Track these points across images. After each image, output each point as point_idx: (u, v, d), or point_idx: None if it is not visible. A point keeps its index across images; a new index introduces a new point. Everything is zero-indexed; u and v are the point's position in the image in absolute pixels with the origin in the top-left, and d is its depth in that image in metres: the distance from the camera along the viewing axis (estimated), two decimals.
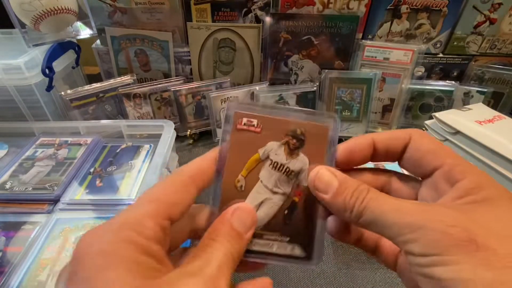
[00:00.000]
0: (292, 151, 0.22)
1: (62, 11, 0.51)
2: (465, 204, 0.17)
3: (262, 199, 0.21)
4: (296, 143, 0.21)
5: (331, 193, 0.19)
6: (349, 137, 0.61)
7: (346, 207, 0.18)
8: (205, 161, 0.20)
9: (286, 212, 0.21)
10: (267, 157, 0.21)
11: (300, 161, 0.21)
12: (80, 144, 0.51)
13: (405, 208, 0.17)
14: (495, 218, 0.16)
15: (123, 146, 0.52)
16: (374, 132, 0.25)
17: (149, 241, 0.15)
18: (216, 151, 0.20)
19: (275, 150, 0.22)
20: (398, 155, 0.21)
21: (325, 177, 0.19)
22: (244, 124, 0.21)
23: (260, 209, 0.21)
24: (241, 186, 0.21)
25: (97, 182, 0.45)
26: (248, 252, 0.20)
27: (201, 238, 0.18)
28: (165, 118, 0.66)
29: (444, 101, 0.64)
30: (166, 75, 0.70)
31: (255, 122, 0.22)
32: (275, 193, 0.21)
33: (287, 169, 0.21)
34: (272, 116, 0.22)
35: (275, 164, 0.21)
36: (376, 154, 0.21)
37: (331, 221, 0.22)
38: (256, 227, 0.20)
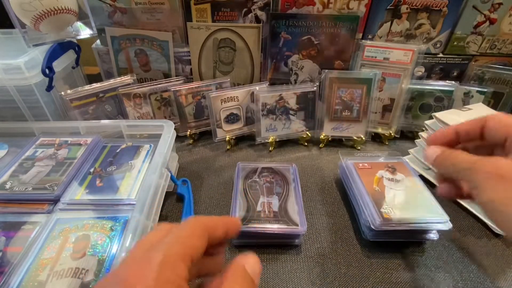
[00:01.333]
0: (392, 172, 0.49)
1: (62, 11, 0.51)
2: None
3: (393, 194, 0.46)
4: (390, 169, 0.50)
5: (435, 157, 0.33)
6: (349, 137, 0.65)
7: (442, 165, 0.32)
8: (220, 221, 0.23)
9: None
10: (382, 176, 0.49)
11: (399, 175, 0.49)
12: (80, 144, 0.51)
13: (464, 157, 0.30)
14: None
15: (123, 146, 0.52)
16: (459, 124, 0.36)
17: (183, 282, 0.17)
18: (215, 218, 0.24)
19: (384, 173, 0.49)
20: (478, 136, 0.33)
21: (430, 150, 0.34)
22: (361, 166, 0.51)
23: (395, 199, 0.45)
24: (377, 189, 0.47)
25: (97, 182, 0.45)
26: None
27: (221, 277, 0.20)
28: (165, 118, 0.66)
29: (444, 101, 0.64)
30: (166, 75, 0.70)
31: (367, 164, 0.51)
32: (396, 190, 0.46)
33: (395, 179, 0.48)
34: (372, 161, 0.52)
35: (388, 178, 0.48)
36: (461, 138, 0.34)
37: (444, 188, 0.34)
38: (401, 206, 0.43)
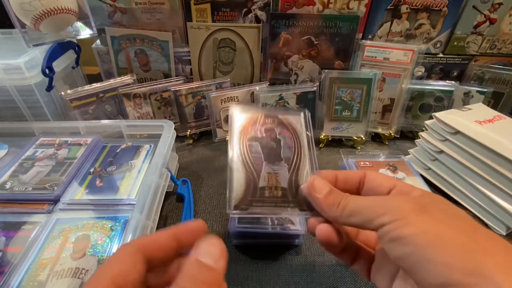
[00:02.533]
0: (393, 171, 0.52)
1: (62, 11, 0.51)
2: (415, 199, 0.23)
3: None
4: (392, 167, 0.53)
5: (322, 194, 0.25)
6: (349, 137, 0.66)
7: (334, 203, 0.24)
8: (164, 234, 0.21)
9: None
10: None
11: (400, 174, 0.52)
12: (80, 144, 0.51)
13: (372, 198, 0.23)
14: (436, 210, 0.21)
15: (123, 146, 0.52)
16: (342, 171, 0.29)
17: None
18: (175, 227, 0.22)
19: (385, 171, 0.52)
20: (356, 187, 0.27)
21: (318, 184, 0.26)
22: (363, 164, 0.53)
23: None
24: None
25: (97, 182, 0.45)
26: None
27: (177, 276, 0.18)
28: (165, 118, 0.66)
29: (444, 101, 0.64)
30: (166, 75, 0.70)
31: (368, 163, 0.54)
32: None
33: (396, 178, 0.38)
34: (373, 160, 0.55)
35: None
36: (337, 185, 0.27)
37: (326, 231, 0.26)
38: None
